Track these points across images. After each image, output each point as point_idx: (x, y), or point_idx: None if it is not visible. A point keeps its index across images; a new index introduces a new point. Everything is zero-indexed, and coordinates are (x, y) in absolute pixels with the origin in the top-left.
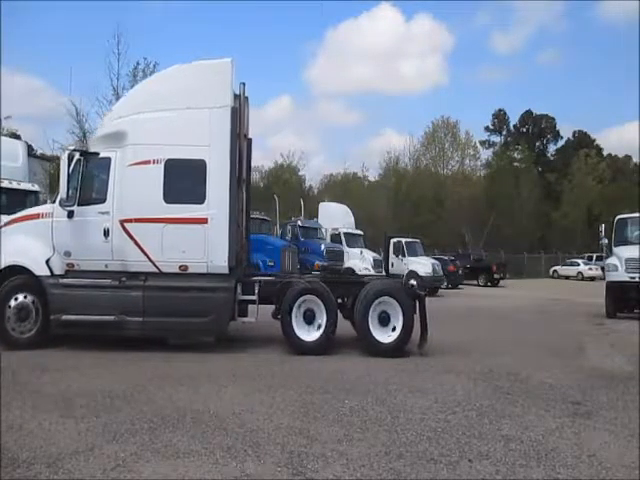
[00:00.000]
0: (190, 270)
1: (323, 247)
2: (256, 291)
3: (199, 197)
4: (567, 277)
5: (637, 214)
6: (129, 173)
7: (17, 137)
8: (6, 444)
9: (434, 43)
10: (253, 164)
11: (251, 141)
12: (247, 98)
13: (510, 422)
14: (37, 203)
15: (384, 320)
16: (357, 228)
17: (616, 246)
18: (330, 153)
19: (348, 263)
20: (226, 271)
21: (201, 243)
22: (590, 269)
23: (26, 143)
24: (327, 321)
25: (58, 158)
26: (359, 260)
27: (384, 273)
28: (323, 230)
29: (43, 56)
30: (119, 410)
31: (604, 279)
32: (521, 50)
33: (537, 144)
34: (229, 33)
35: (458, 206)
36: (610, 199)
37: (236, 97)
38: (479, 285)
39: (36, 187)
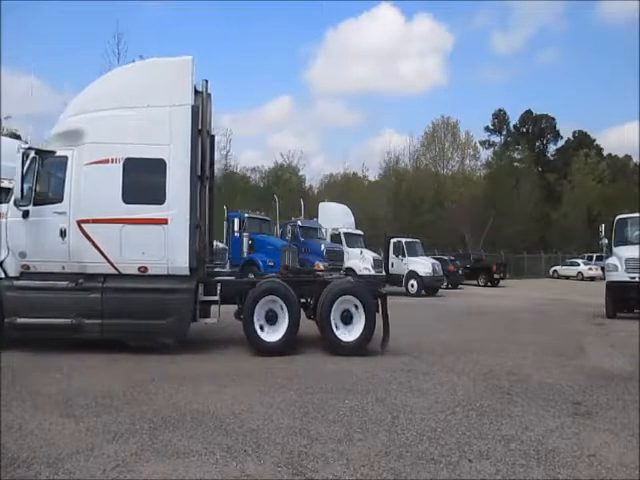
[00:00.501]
0: (150, 271)
1: (323, 247)
2: (218, 292)
3: (159, 197)
4: (567, 277)
5: (637, 214)
6: (86, 172)
7: (17, 137)
8: (6, 444)
9: (434, 43)
10: (252, 164)
11: (214, 138)
12: (210, 95)
13: (510, 422)
14: None
15: (347, 319)
16: (357, 228)
17: (616, 246)
18: (330, 153)
19: (348, 263)
20: (187, 272)
21: (161, 244)
22: (590, 269)
23: (26, 143)
24: (289, 321)
25: None
26: (359, 260)
27: (384, 273)
28: (323, 230)
29: (43, 56)
30: (119, 410)
31: (604, 279)
32: (521, 50)
33: (537, 144)
34: (229, 33)
35: (458, 206)
36: (610, 199)
37: (199, 94)
38: (479, 285)
39: None
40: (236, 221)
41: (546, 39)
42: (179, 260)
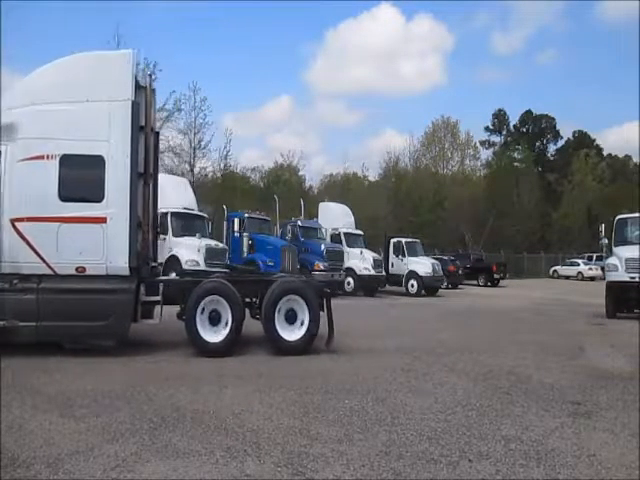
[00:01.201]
0: (88, 272)
1: (323, 247)
2: (160, 292)
3: (97, 195)
4: (567, 277)
5: (637, 214)
6: (20, 169)
7: None
8: (6, 444)
9: (434, 43)
10: (252, 164)
11: (158, 135)
12: (154, 90)
13: (510, 422)
14: None
15: (291, 318)
16: (357, 228)
17: (616, 246)
18: (330, 153)
19: (348, 263)
20: (127, 272)
21: (99, 243)
22: (590, 269)
23: None
24: (232, 321)
25: None
26: (359, 260)
27: (384, 273)
28: (323, 230)
29: (43, 56)
30: (119, 410)
31: (604, 279)
32: (521, 50)
33: (537, 144)
34: (229, 33)
35: (458, 206)
36: (610, 199)
37: (142, 89)
38: (479, 285)
39: None
40: (236, 221)
41: (546, 39)
42: (119, 260)
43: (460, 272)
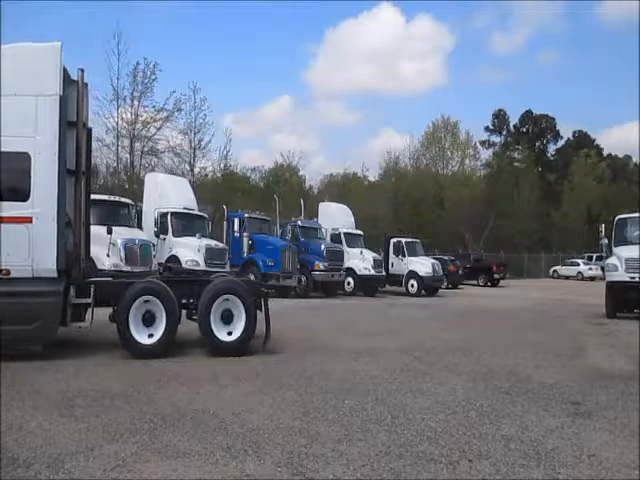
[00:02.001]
0: (13, 274)
1: (323, 247)
2: (91, 294)
3: (22, 194)
4: (567, 277)
5: (637, 214)
6: None
7: None
8: (6, 444)
9: (434, 43)
10: (252, 164)
11: (91, 131)
12: (86, 85)
13: (510, 422)
14: None
15: (227, 319)
16: (357, 228)
17: (616, 246)
18: (330, 153)
19: (348, 263)
20: (54, 274)
21: (25, 245)
22: (590, 269)
23: None
24: (167, 322)
25: None
26: (359, 260)
27: (384, 273)
28: (323, 230)
29: None
30: (119, 410)
31: (604, 279)
32: (521, 50)
33: (537, 144)
34: (229, 33)
35: (458, 206)
36: (610, 199)
37: (74, 84)
38: (479, 285)
39: None
40: (236, 221)
41: (546, 39)
42: (46, 261)
43: (460, 272)
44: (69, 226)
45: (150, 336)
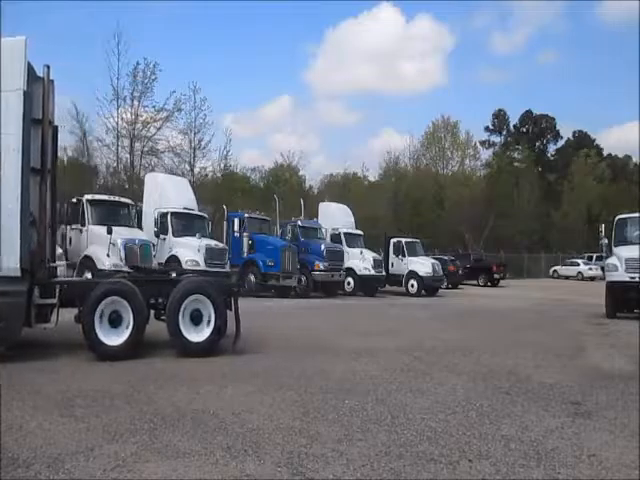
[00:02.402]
0: None
1: (323, 247)
2: (57, 294)
3: None
4: (567, 277)
5: (637, 214)
6: None
7: None
8: (6, 444)
9: (434, 43)
10: (252, 164)
11: (57, 128)
12: (52, 81)
13: (510, 422)
14: None
15: (196, 319)
16: (357, 228)
17: (616, 246)
18: (330, 153)
19: (348, 263)
20: (18, 273)
21: None
22: (590, 269)
23: None
24: (134, 323)
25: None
26: (359, 260)
27: (384, 273)
28: (323, 230)
29: (43, 56)
30: (119, 410)
31: (604, 279)
32: (521, 50)
33: (537, 144)
34: (229, 32)
35: (458, 206)
36: (610, 199)
37: (39, 80)
38: (479, 285)
39: None
40: (236, 221)
41: (546, 39)
42: (9, 261)
43: (460, 272)
44: (33, 225)
45: (117, 337)
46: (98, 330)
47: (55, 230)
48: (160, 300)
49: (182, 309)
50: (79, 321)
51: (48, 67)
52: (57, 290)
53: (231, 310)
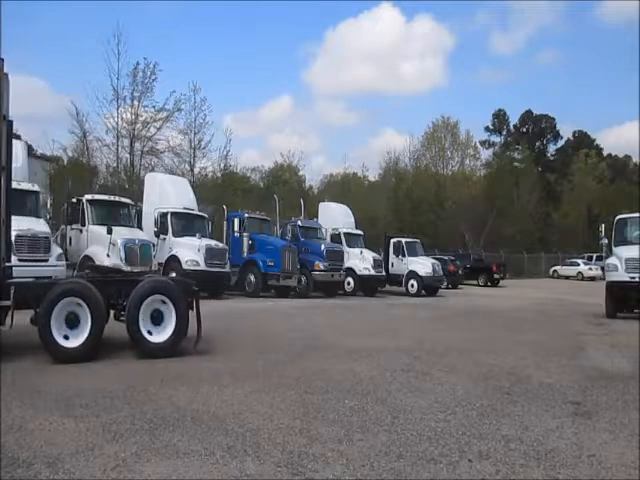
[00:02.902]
0: None
1: (323, 247)
2: (11, 295)
3: None
4: (567, 277)
5: (637, 214)
6: None
7: (17, 137)
8: (6, 444)
9: (434, 43)
10: (252, 164)
11: (12, 123)
12: (7, 75)
13: (510, 422)
14: (37, 203)
15: (157, 320)
16: (357, 228)
17: (616, 246)
18: (330, 153)
19: (348, 263)
20: None
21: None
22: (590, 269)
23: (26, 143)
24: (92, 325)
25: (59, 158)
26: (359, 260)
27: (384, 273)
28: (323, 230)
29: (43, 56)
30: (119, 410)
31: (604, 279)
32: (521, 50)
33: (537, 144)
34: (229, 33)
35: (458, 206)
36: (610, 199)
37: None
38: (479, 285)
39: (36, 187)
40: (236, 221)
41: (546, 39)
42: None
43: (460, 272)
44: None
45: (74, 339)
46: (55, 332)
47: (9, 228)
48: (120, 300)
49: (142, 310)
50: (35, 323)
51: (2, 60)
52: (12, 291)
53: (193, 310)
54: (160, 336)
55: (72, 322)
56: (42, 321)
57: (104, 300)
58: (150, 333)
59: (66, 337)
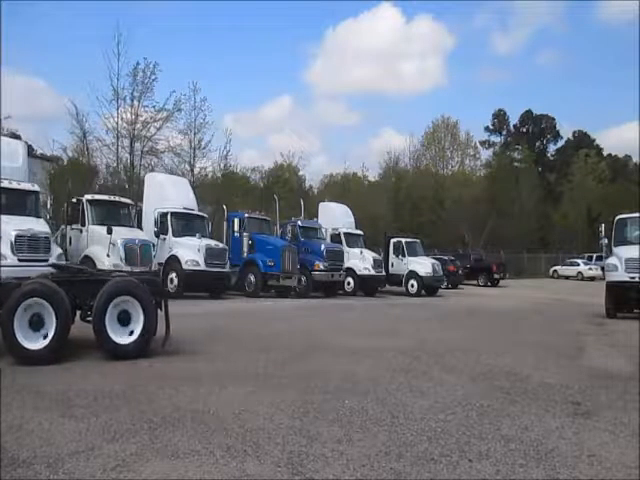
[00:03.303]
0: None
1: (323, 247)
2: None
3: None
4: (567, 277)
5: (637, 214)
6: None
7: (17, 137)
8: (6, 444)
9: (434, 43)
10: (252, 164)
11: None
12: None
13: (510, 422)
14: (37, 203)
15: (124, 320)
16: (357, 228)
17: (616, 246)
18: (330, 153)
19: (348, 263)
20: None
21: None
22: (590, 269)
23: (26, 143)
24: (57, 326)
25: (59, 158)
26: (359, 260)
27: (384, 273)
28: (323, 230)
29: (43, 56)
30: (119, 410)
31: (604, 279)
32: (521, 50)
33: (537, 144)
34: (229, 33)
35: (458, 206)
36: (610, 199)
37: None
38: (479, 285)
39: (36, 187)
40: (236, 221)
41: (546, 39)
42: None
43: (460, 272)
44: None
45: (38, 340)
46: (18, 334)
47: None
48: (87, 301)
49: (109, 310)
50: None
51: None
52: None
53: (162, 310)
54: (128, 337)
55: (36, 324)
56: (5, 323)
57: (70, 300)
58: (117, 334)
59: (30, 339)
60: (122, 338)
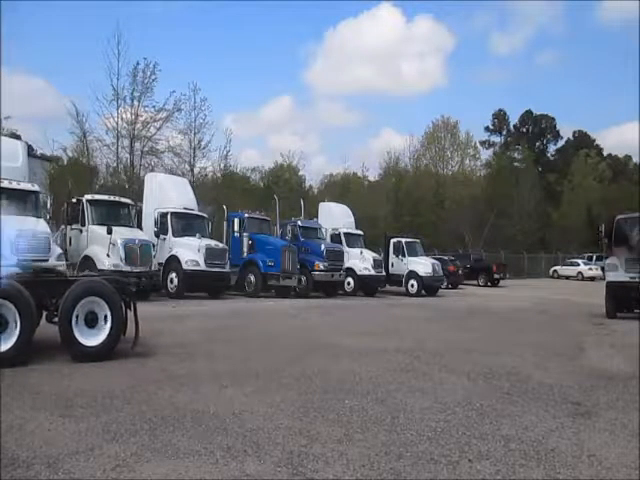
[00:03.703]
0: None
1: (323, 247)
2: None
3: None
4: (567, 277)
5: (637, 214)
6: None
7: (17, 137)
8: (6, 444)
9: (434, 43)
10: (252, 164)
11: None
12: None
13: (510, 422)
14: (37, 203)
15: (91, 322)
16: (357, 228)
17: (616, 246)
18: (330, 153)
19: (348, 263)
20: None
21: None
22: (590, 269)
23: (26, 143)
24: (22, 328)
25: (59, 158)
26: (359, 260)
27: (384, 273)
28: (323, 230)
29: (43, 56)
30: (119, 410)
31: (604, 279)
32: (521, 50)
33: (537, 144)
34: (229, 33)
35: (458, 206)
36: (610, 199)
37: None
38: (479, 285)
39: (36, 187)
40: (236, 221)
41: (546, 39)
42: None
43: (460, 272)
44: None
45: (2, 343)
46: None
47: None
48: (53, 301)
49: (75, 311)
50: None
51: None
52: None
53: (131, 310)
54: (95, 339)
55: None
56: None
57: (35, 301)
58: (84, 336)
59: None
60: (89, 340)
